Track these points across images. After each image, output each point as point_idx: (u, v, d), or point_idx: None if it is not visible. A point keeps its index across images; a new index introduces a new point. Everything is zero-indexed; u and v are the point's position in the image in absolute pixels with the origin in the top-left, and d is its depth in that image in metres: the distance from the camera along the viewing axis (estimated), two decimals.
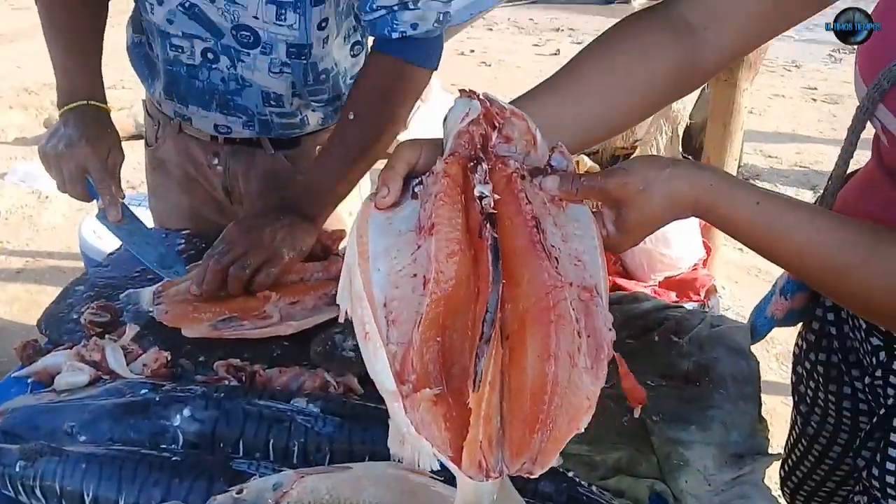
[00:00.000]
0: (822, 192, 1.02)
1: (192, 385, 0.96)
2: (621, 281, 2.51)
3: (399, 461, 0.61)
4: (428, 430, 0.57)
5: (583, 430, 0.58)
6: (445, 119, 0.76)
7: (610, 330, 0.62)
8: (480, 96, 0.74)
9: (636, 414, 0.68)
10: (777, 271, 0.88)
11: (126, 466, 0.82)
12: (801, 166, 4.50)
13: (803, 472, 1.17)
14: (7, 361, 1.86)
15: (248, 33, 1.27)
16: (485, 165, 0.71)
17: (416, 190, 0.71)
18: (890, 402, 0.92)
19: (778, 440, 1.17)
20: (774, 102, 5.48)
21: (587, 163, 3.48)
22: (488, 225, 0.66)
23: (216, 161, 1.50)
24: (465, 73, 5.85)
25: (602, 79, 0.86)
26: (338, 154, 1.27)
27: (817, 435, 1.12)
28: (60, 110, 1.29)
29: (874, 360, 0.94)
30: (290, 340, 1.13)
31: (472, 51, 6.51)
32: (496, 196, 0.69)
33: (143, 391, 0.93)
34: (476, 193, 0.69)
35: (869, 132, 0.89)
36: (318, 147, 1.44)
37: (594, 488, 0.87)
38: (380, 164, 0.80)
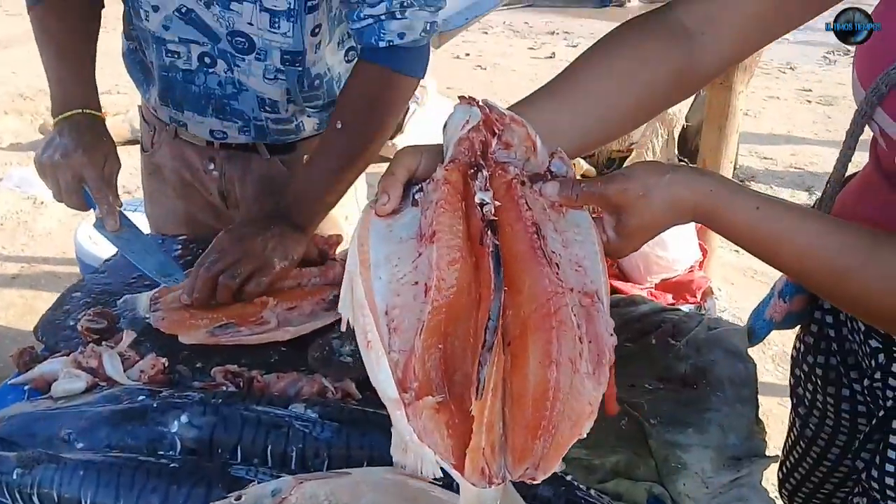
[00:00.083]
0: (820, 195, 1.02)
1: (189, 391, 0.96)
2: (618, 283, 2.51)
3: (402, 468, 0.61)
4: (430, 437, 0.57)
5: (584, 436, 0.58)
6: (445, 126, 0.76)
7: (611, 335, 0.63)
8: (480, 103, 0.74)
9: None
10: (773, 273, 0.88)
11: (124, 473, 0.82)
12: (796, 168, 4.51)
13: (802, 474, 1.17)
14: (3, 368, 1.85)
15: (243, 39, 1.27)
16: (485, 172, 0.71)
17: (416, 197, 0.71)
18: (889, 403, 0.92)
19: (775, 441, 1.17)
20: (769, 104, 5.49)
21: (583, 165, 3.50)
22: (489, 232, 0.66)
23: (212, 166, 1.49)
24: (461, 76, 5.85)
25: (600, 84, 0.86)
26: (325, 163, 1.27)
27: (816, 437, 1.12)
28: (55, 119, 1.28)
29: (873, 362, 0.94)
30: (288, 346, 1.13)
31: (468, 54, 6.51)
32: (496, 202, 0.69)
33: (141, 398, 0.93)
34: (477, 200, 0.69)
35: (867, 135, 0.89)
36: None
37: (592, 492, 0.87)
38: (380, 169, 0.80)
